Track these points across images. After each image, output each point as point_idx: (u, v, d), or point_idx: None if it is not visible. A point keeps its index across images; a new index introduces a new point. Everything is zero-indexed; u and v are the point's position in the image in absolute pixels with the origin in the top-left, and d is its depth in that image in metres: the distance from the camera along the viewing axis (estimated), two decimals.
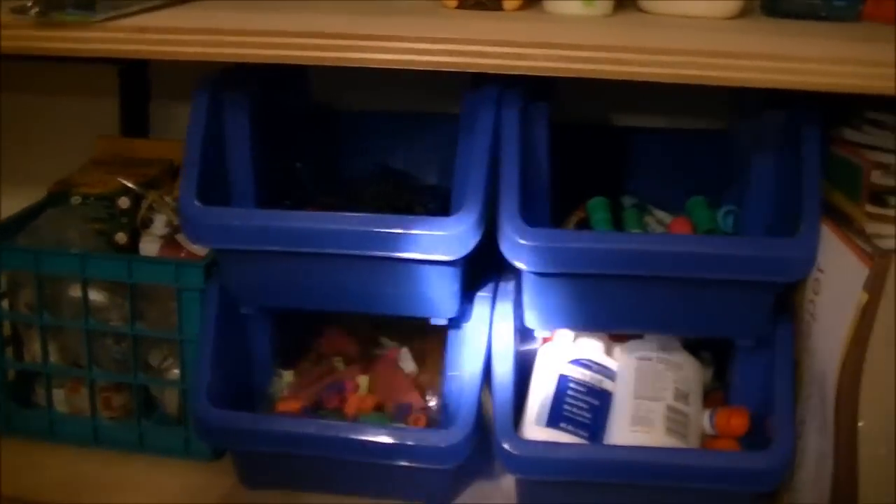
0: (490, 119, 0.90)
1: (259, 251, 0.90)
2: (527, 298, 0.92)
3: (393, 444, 0.90)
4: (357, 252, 0.88)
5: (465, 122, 0.93)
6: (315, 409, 0.99)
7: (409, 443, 0.90)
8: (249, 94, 0.96)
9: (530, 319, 0.93)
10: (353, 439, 0.91)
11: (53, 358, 1.04)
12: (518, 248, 0.86)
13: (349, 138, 1.16)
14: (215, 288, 0.97)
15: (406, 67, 0.81)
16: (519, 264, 0.87)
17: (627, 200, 1.08)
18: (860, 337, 0.83)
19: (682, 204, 1.07)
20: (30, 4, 0.81)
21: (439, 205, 1.01)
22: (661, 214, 1.07)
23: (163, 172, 1.11)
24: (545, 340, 1.00)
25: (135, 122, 1.24)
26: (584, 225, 1.04)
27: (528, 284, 0.90)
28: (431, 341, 1.02)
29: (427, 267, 0.89)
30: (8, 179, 1.27)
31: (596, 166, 1.11)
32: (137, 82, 1.24)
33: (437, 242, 0.86)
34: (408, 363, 1.04)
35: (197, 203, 0.89)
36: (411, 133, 1.13)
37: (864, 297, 0.82)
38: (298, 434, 0.91)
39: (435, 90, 1.02)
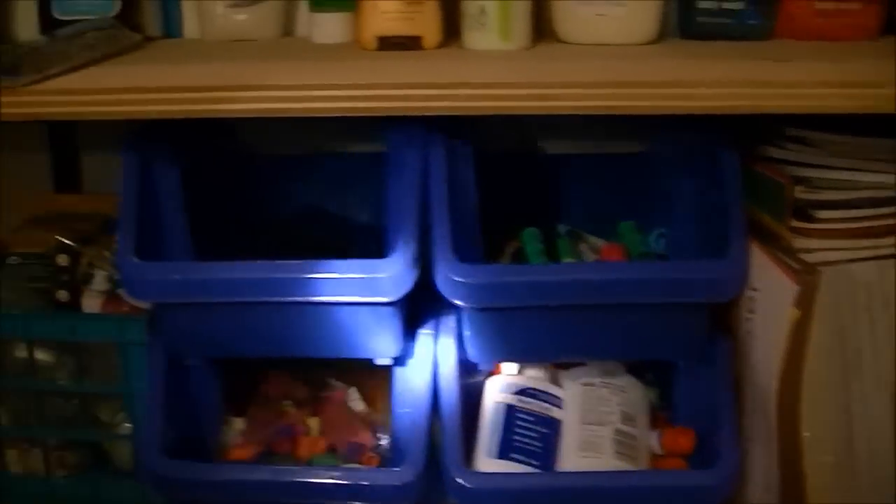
0: (417, 159, 0.91)
1: (198, 303, 0.90)
2: (467, 333, 0.93)
3: (347, 485, 0.90)
4: (295, 299, 0.88)
5: (392, 161, 0.94)
6: (267, 455, 0.99)
7: (363, 483, 0.89)
8: (176, 147, 0.96)
9: (472, 353, 0.94)
10: (306, 482, 0.90)
11: (4, 419, 1.04)
12: (454, 286, 0.86)
13: (273, 183, 1.14)
14: (159, 341, 0.96)
15: (325, 115, 0.81)
16: (456, 301, 0.87)
17: (562, 228, 1.09)
18: (795, 351, 0.85)
19: (613, 228, 1.08)
20: None
21: (374, 245, 1.01)
22: (594, 240, 1.08)
23: (97, 227, 1.10)
24: (492, 373, 1.00)
25: (67, 177, 1.23)
26: (519, 254, 1.05)
27: (467, 319, 0.91)
28: (379, 379, 1.02)
29: (367, 309, 0.90)
30: None
31: (528, 194, 1.11)
32: (67, 137, 1.22)
33: (374, 285, 0.87)
34: (357, 403, 1.04)
35: (135, 260, 0.89)
36: (333, 174, 1.13)
37: (796, 313, 0.84)
38: (251, 481, 0.91)
39: (354, 129, 1.02)
